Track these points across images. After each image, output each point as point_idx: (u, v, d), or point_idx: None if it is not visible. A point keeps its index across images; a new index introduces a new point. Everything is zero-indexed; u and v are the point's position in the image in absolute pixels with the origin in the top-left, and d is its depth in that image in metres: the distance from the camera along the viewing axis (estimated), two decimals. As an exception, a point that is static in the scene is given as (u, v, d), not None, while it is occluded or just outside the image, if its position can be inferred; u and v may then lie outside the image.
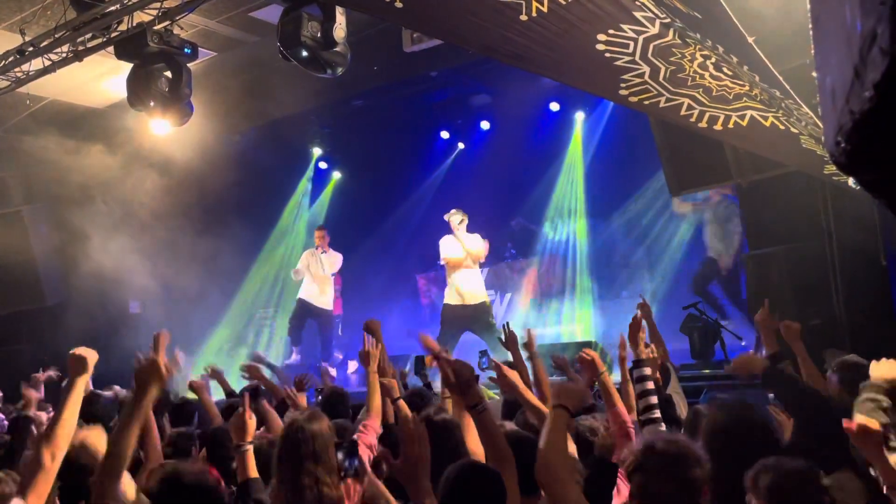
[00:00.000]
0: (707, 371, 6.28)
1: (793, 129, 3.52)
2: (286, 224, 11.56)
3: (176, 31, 5.86)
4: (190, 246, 9.57)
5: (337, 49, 5.12)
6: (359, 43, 6.47)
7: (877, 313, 5.11)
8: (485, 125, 10.59)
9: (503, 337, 4.31)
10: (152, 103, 5.68)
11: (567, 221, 10.27)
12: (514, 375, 3.13)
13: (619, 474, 2.52)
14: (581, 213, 10.14)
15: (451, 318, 7.91)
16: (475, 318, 7.86)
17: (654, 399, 3.07)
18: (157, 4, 5.71)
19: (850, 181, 3.34)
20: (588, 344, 7.45)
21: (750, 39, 3.73)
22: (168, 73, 5.64)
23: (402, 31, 6.97)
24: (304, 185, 11.59)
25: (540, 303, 9.91)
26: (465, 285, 7.93)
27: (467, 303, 7.89)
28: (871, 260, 5.16)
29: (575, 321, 9.52)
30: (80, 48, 6.31)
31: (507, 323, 4.42)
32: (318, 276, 9.41)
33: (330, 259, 9.41)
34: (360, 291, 10.87)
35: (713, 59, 3.27)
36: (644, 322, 3.68)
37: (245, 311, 11.03)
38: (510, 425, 3.20)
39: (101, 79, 8.09)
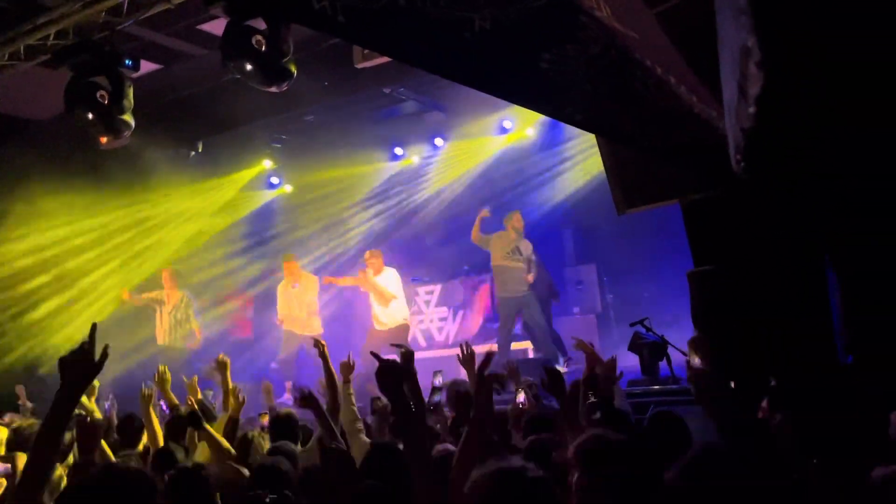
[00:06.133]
0: (655, 387, 6.37)
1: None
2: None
3: (118, 41, 5.71)
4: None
5: (283, 62, 5.05)
6: (309, 58, 6.40)
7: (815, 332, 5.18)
8: (438, 142, 10.59)
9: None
10: (90, 116, 5.51)
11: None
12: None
13: None
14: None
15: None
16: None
17: None
18: (98, 14, 5.57)
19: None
20: (546, 361, 7.50)
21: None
22: (108, 85, 5.49)
23: (353, 46, 6.92)
24: (256, 199, 11.43)
25: (493, 320, 9.86)
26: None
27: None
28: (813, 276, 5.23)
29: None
30: (18, 57, 6.11)
31: (466, 342, 4.40)
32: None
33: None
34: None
35: (653, 81, 3.30)
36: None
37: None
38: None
39: (42, 89, 7.84)
